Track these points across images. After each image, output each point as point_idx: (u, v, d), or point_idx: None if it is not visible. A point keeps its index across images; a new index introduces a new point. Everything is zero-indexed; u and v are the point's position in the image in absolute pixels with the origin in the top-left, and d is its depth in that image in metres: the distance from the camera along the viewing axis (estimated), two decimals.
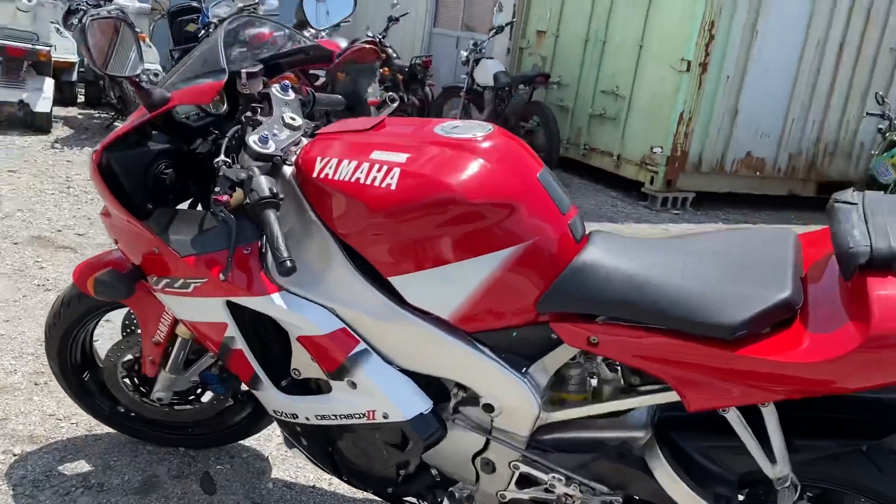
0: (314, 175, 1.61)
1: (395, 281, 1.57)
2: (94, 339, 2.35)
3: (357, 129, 1.70)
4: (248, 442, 2.46)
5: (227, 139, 1.73)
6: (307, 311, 1.63)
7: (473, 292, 1.54)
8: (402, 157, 1.56)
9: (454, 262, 1.52)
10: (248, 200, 1.53)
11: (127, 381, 2.21)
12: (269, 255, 1.61)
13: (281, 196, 1.55)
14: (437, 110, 8.37)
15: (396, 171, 1.53)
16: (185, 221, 1.76)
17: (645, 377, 1.55)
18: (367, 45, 6.60)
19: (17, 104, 6.48)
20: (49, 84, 6.63)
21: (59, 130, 6.89)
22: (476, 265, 1.52)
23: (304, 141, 1.79)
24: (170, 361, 2.05)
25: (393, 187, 1.52)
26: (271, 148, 1.61)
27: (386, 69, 8.15)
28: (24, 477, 2.17)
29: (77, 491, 2.14)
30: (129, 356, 2.17)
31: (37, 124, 6.59)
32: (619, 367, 1.62)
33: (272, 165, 1.66)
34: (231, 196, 1.60)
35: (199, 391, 2.26)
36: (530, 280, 1.53)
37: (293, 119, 1.74)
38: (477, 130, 1.62)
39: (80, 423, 2.45)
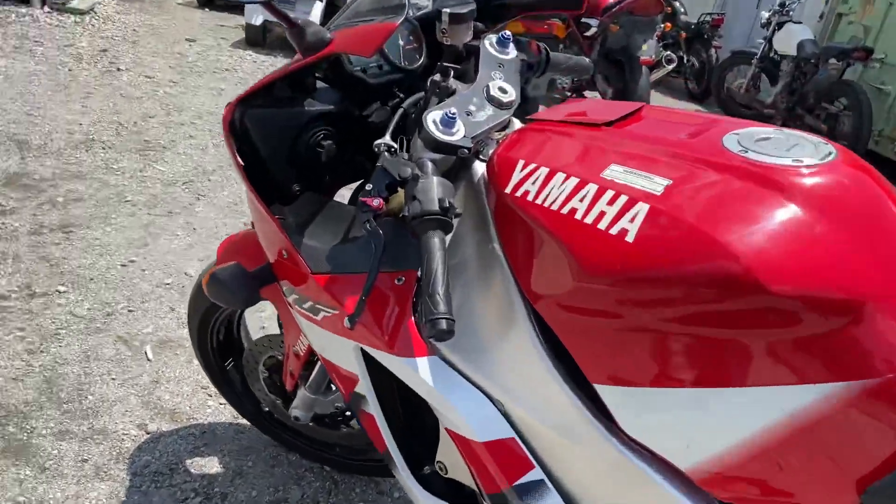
0: (507, 189, 1.00)
1: (607, 392, 0.93)
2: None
3: (592, 122, 1.05)
4: None
5: (399, 112, 1.18)
6: (462, 401, 1.04)
7: (744, 442, 0.86)
8: (657, 185, 0.88)
9: (721, 388, 0.85)
10: (406, 211, 0.98)
11: (269, 381, 1.80)
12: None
13: (457, 211, 0.98)
14: (719, 77, 7.27)
15: (642, 209, 0.86)
16: (331, 221, 1.25)
17: None
18: None
19: None
20: (318, 8, 6.57)
21: None
22: (762, 400, 0.83)
23: (516, 125, 1.19)
24: (310, 379, 1.59)
25: (630, 237, 0.86)
26: (457, 134, 1.01)
27: (668, 24, 7.25)
28: (146, 465, 1.87)
29: (195, 499, 1.79)
30: (273, 354, 1.75)
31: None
32: None
33: (455, 161, 1.08)
34: (385, 200, 1.05)
35: (347, 413, 1.80)
36: (861, 446, 0.82)
37: (503, 91, 1.11)
38: (805, 150, 0.88)
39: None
